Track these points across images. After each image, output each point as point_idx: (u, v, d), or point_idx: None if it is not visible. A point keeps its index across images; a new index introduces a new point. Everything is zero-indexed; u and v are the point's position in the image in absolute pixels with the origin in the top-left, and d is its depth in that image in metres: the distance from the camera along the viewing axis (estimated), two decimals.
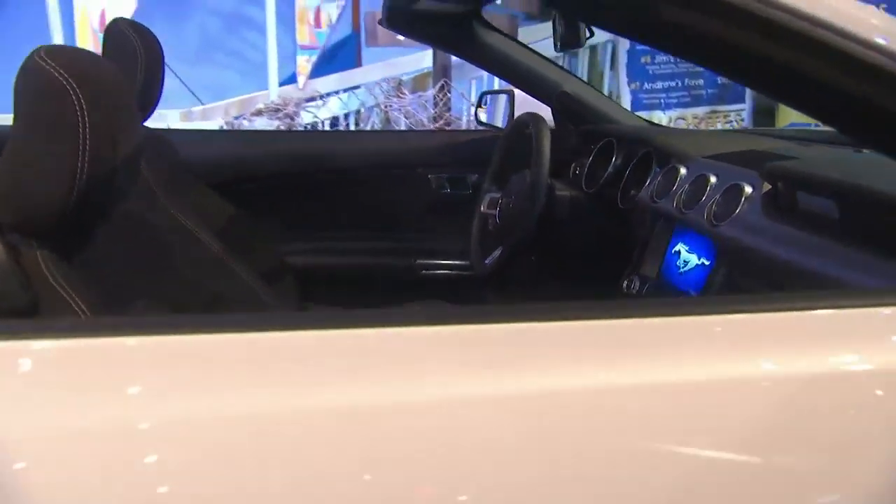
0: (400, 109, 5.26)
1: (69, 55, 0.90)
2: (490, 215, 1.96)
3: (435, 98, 5.13)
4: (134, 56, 1.55)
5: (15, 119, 0.87)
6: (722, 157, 1.56)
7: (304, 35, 6.94)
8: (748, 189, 1.33)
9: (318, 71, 7.12)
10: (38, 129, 0.88)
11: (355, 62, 7.66)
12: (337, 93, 6.36)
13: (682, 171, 1.60)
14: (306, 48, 6.96)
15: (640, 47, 4.97)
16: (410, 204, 2.32)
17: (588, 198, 1.95)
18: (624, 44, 5.07)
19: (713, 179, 1.47)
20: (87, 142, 0.86)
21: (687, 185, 1.55)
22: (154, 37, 1.68)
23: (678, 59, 5.03)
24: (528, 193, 1.75)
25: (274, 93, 6.55)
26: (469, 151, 2.36)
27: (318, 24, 6.93)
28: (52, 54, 0.86)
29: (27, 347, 0.63)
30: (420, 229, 2.31)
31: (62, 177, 0.85)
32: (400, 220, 2.33)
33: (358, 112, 5.95)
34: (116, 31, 1.58)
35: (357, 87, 6.12)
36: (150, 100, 1.66)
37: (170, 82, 1.66)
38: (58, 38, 5.81)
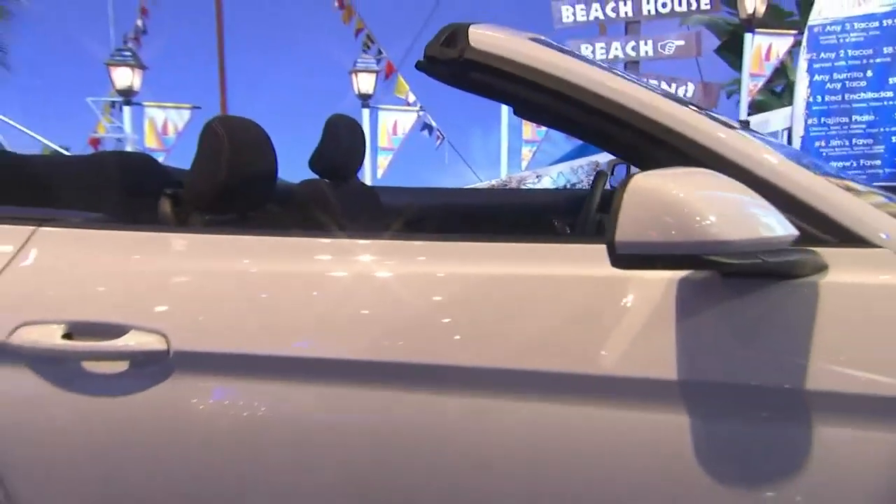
0: None
1: (228, 119, 1.53)
2: None
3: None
4: (337, 136, 2.28)
5: (198, 150, 1.52)
6: None
7: (527, 132, 9.16)
8: None
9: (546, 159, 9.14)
10: (203, 154, 1.46)
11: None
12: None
13: None
14: (529, 141, 9.11)
15: (813, 132, 4.98)
16: None
17: None
18: (798, 130, 5.11)
19: None
20: (226, 163, 1.42)
21: None
22: (358, 126, 2.41)
23: (852, 142, 4.97)
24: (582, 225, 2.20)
25: (504, 174, 8.07)
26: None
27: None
28: (219, 119, 1.49)
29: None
30: None
31: (211, 179, 1.44)
32: None
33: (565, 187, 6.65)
34: (334, 121, 2.31)
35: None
36: (355, 161, 2.37)
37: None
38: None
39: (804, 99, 4.83)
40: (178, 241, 1.23)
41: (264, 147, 1.61)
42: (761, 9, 6.61)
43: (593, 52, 7.41)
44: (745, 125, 5.64)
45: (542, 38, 1.37)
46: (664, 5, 7.13)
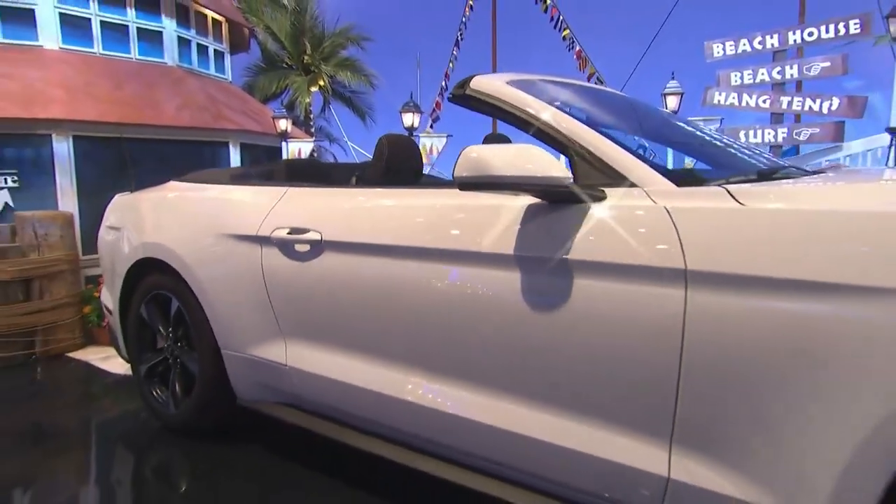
0: None
1: (392, 136, 2.29)
2: None
3: None
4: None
5: (374, 151, 2.33)
6: None
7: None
8: None
9: None
10: (375, 154, 2.31)
11: None
12: None
13: None
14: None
15: None
16: None
17: None
18: None
19: None
20: (385, 160, 2.22)
21: None
22: (506, 140, 2.96)
23: None
24: None
25: None
26: None
27: None
28: (386, 136, 2.28)
29: None
30: None
31: (376, 168, 2.25)
32: None
33: None
34: (489, 137, 2.96)
35: None
36: None
37: None
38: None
39: None
40: (341, 191, 2.21)
41: (412, 153, 2.40)
42: None
43: (741, 78, 7.58)
44: (893, 131, 5.95)
45: (536, 78, 1.93)
46: (810, 34, 7.13)
